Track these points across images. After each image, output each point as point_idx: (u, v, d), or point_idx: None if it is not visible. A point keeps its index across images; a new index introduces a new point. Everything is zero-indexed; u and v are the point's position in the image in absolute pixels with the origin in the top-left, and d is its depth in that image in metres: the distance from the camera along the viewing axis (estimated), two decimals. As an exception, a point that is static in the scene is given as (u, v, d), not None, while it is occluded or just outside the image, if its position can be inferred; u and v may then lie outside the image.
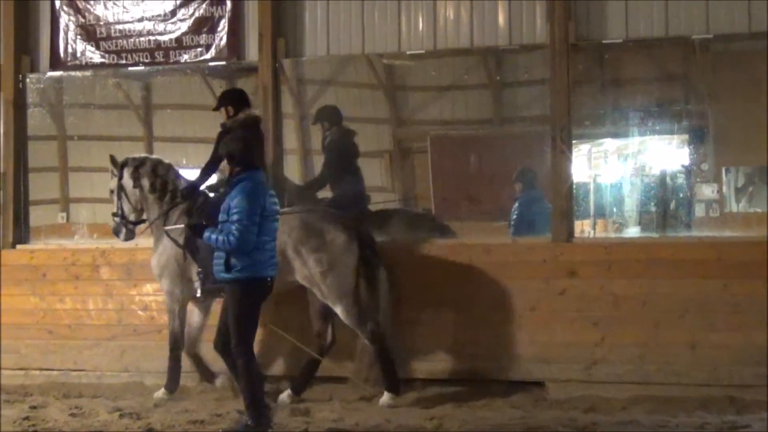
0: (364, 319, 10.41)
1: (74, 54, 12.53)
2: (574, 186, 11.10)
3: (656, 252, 10.58)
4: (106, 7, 12.42)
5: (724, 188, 11.48)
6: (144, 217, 11.14)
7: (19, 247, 12.42)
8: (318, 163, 12.44)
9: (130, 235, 11.19)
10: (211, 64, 12.20)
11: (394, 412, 9.99)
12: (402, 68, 12.70)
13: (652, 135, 11.88)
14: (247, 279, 8.89)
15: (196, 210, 10.68)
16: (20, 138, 12.65)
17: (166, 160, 11.20)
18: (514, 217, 11.75)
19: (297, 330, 10.75)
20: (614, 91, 11.99)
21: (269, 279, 9.06)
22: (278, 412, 9.91)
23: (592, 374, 10.49)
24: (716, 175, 11.50)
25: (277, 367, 11.23)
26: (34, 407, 10.55)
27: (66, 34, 12.54)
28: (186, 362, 10.96)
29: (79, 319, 11.52)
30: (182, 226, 9.77)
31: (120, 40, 12.37)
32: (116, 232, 11.17)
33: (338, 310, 10.40)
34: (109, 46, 12.41)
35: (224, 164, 9.47)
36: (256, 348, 9.13)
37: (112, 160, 11.19)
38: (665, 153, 11.93)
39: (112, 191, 11.17)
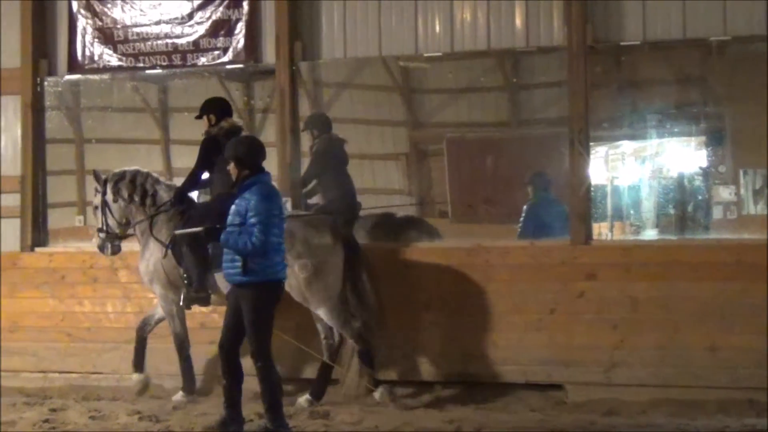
0: (348, 320, 10.44)
1: (92, 57, 12.54)
2: (592, 188, 11.09)
3: (675, 254, 10.55)
4: (123, 11, 12.42)
5: (742, 190, 11.47)
6: (130, 230, 11.20)
7: (37, 249, 12.45)
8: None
9: (117, 249, 11.23)
10: (228, 67, 12.19)
11: (413, 415, 10.00)
12: (418, 70, 12.73)
13: (670, 137, 11.90)
14: (264, 282, 8.91)
15: (183, 215, 10.77)
16: (38, 141, 12.67)
17: (144, 170, 11.21)
18: (522, 220, 11.77)
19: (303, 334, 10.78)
20: (631, 93, 12.00)
21: (283, 281, 9.10)
22: (297, 415, 9.96)
23: (611, 377, 10.46)
24: (734, 177, 11.50)
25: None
26: (54, 410, 10.58)
27: (83, 37, 12.55)
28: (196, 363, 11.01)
29: (98, 322, 11.55)
30: (196, 230, 9.75)
31: (137, 43, 12.37)
32: (101, 248, 11.21)
33: (322, 312, 10.41)
34: (126, 50, 12.41)
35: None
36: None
37: (96, 176, 11.25)
38: (683, 155, 11.94)
39: (96, 207, 11.22)
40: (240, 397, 9.19)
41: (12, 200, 12.67)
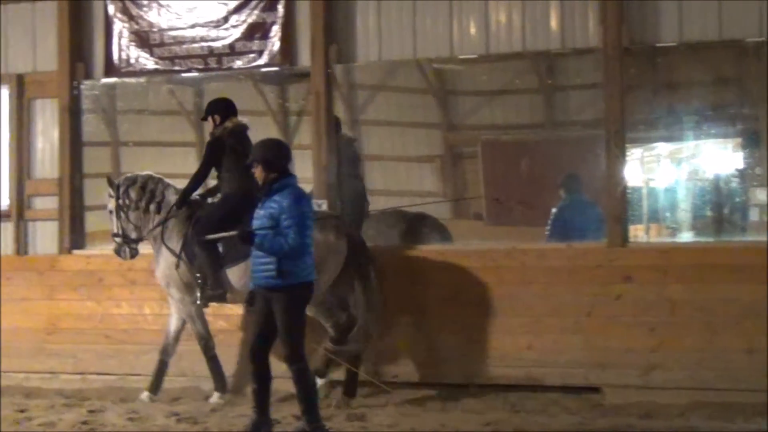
0: (332, 312, 10.57)
1: (128, 60, 12.60)
2: (628, 190, 11.04)
3: (712, 257, 10.49)
4: (159, 14, 12.46)
5: (779, 192, 11.42)
6: (144, 234, 11.30)
7: (75, 252, 12.53)
8: (370, 168, 12.50)
9: (134, 253, 11.32)
10: (263, 70, 12.21)
11: (450, 418, 10.00)
12: (453, 73, 12.74)
13: (706, 139, 11.84)
14: (298, 284, 8.92)
15: (191, 218, 10.86)
16: (75, 144, 12.76)
17: (156, 175, 11.31)
18: (551, 222, 11.77)
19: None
20: (667, 94, 11.94)
21: (313, 282, 9.13)
22: (334, 417, 9.98)
23: (648, 380, 10.42)
24: (770, 179, 11.45)
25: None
26: (92, 411, 10.64)
27: (120, 40, 12.60)
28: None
29: (136, 324, 11.60)
30: (229, 234, 9.79)
31: (173, 47, 12.42)
32: (118, 252, 11.32)
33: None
34: (162, 53, 12.46)
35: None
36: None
37: (109, 181, 11.34)
38: (719, 157, 11.87)
39: (111, 212, 11.32)
40: (269, 400, 9.22)
41: (50, 203, 12.79)
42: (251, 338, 9.18)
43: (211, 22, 12.27)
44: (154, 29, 12.50)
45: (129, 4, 12.55)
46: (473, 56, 11.69)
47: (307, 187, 10.62)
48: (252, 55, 12.14)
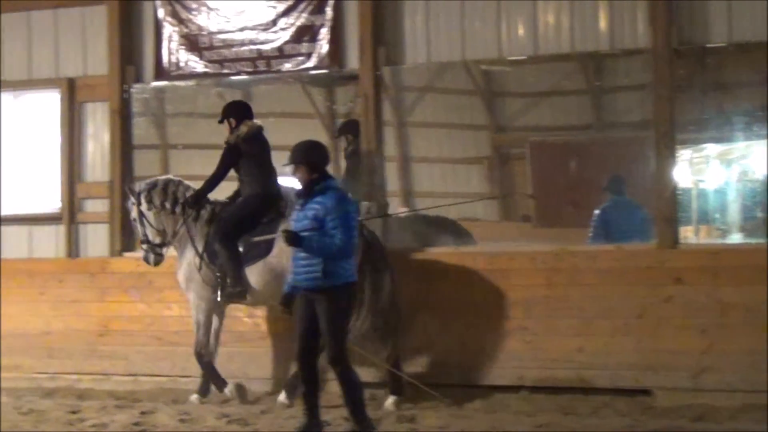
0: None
1: (177, 64, 12.69)
2: (678, 191, 10.99)
3: (762, 258, 10.38)
4: (208, 17, 12.54)
5: (829, 193, 11.32)
6: (169, 238, 11.40)
7: (126, 254, 12.62)
8: (417, 170, 12.52)
9: (159, 259, 11.44)
10: (312, 72, 12.26)
11: (500, 419, 10.00)
12: (500, 74, 12.71)
13: (756, 139, 11.73)
14: (342, 285, 8.95)
15: (212, 221, 10.99)
16: (126, 147, 12.87)
17: (176, 178, 11.45)
18: (593, 223, 11.73)
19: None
20: (716, 95, 11.85)
21: (356, 283, 9.17)
22: (384, 419, 10.00)
23: (699, 382, 10.38)
24: (821, 180, 11.35)
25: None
26: (144, 413, 10.72)
27: (169, 44, 12.70)
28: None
29: (186, 326, 11.62)
30: (274, 235, 9.81)
31: (222, 50, 12.49)
32: (146, 259, 11.44)
33: None
34: (211, 56, 12.54)
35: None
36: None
37: (130, 189, 11.51)
38: (769, 157, 11.77)
39: (134, 219, 11.45)
40: (318, 403, 9.25)
41: (101, 206, 12.90)
42: (296, 342, 9.18)
43: (260, 25, 12.33)
44: (204, 32, 12.58)
45: (178, 8, 12.63)
46: (521, 57, 11.66)
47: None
48: (300, 58, 12.19)
